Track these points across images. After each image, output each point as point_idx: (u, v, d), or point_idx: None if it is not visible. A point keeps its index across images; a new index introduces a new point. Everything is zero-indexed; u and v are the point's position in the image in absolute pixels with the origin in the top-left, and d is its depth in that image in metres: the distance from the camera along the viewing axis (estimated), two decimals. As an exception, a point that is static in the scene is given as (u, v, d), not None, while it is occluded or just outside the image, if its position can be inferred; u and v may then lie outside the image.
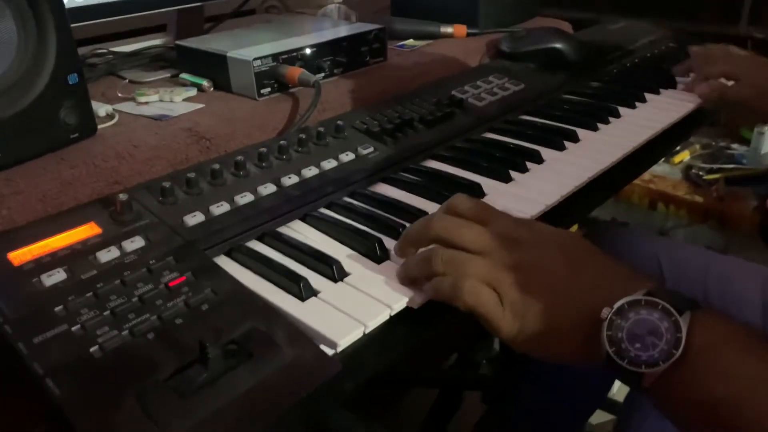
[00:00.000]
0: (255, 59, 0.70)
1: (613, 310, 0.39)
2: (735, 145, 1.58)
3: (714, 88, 0.82)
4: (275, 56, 0.72)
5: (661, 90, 0.87)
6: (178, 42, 0.80)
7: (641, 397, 0.40)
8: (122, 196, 0.50)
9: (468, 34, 1.00)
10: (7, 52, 0.54)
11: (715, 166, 1.49)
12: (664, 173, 1.52)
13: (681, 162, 1.55)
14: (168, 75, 0.82)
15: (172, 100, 0.71)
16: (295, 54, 0.74)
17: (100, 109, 0.67)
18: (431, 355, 1.12)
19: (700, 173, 1.48)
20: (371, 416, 0.41)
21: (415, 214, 0.54)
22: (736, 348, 0.37)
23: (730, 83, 0.84)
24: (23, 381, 0.38)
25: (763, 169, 1.44)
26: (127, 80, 0.79)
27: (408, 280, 0.46)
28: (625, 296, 0.39)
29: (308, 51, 0.75)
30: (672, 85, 0.89)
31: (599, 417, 1.25)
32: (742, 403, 0.35)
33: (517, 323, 0.42)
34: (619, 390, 1.20)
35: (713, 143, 1.60)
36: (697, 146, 1.58)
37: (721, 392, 0.36)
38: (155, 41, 0.97)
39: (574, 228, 1.11)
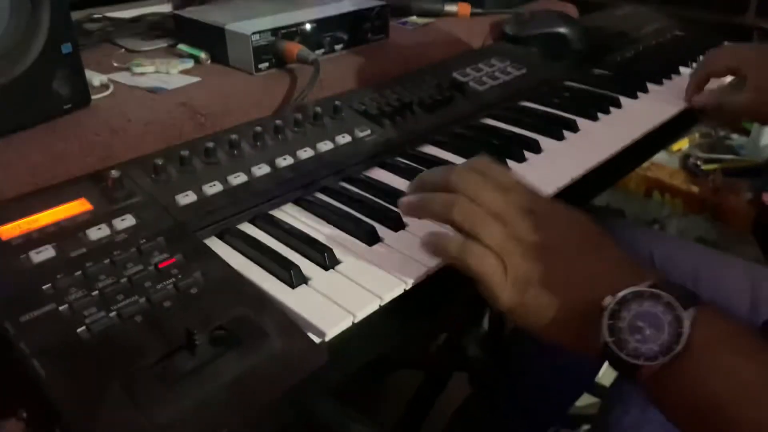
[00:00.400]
0: (253, 33, 0.69)
1: (617, 299, 0.38)
2: (735, 135, 1.57)
3: (711, 99, 0.78)
4: (274, 31, 0.70)
5: (664, 80, 0.87)
6: (176, 12, 0.78)
7: (627, 387, 0.40)
8: (114, 173, 0.49)
9: (472, 14, 0.98)
10: (-1, 19, 0.52)
11: (713, 156, 1.49)
12: (661, 161, 1.52)
13: (679, 150, 1.54)
14: (165, 45, 0.80)
15: (168, 72, 0.70)
16: (294, 29, 0.72)
17: (95, 78, 0.66)
18: (419, 336, 1.13)
19: (698, 163, 1.48)
20: (355, 396, 0.41)
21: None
22: (735, 348, 0.37)
23: (728, 80, 0.80)
24: (9, 360, 0.38)
25: (761, 161, 1.43)
26: (123, 50, 0.77)
27: (421, 211, 0.45)
28: (629, 286, 0.38)
29: (308, 26, 0.74)
30: (676, 74, 0.88)
31: (585, 399, 1.27)
32: (737, 403, 0.36)
33: (517, 296, 0.42)
34: (604, 374, 1.22)
35: (713, 132, 1.59)
36: (696, 135, 1.57)
37: (717, 391, 0.36)
38: (153, 8, 0.95)
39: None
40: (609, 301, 0.38)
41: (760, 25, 1.48)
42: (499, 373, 1.03)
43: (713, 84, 0.80)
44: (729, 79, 0.81)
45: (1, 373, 0.39)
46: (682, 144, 1.55)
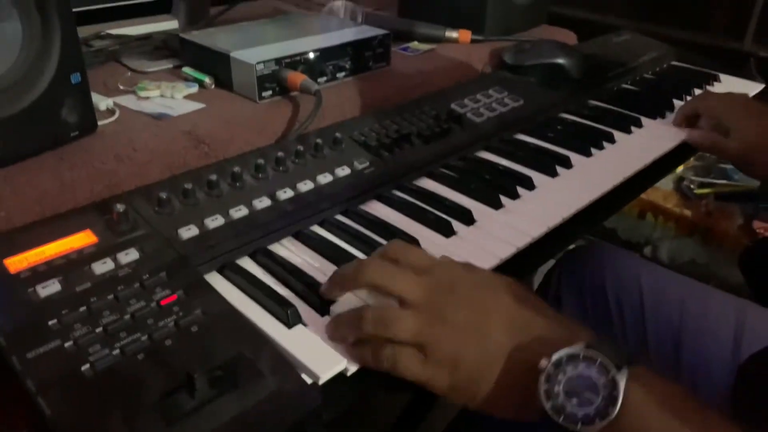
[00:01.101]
0: (258, 63, 0.70)
1: (551, 362, 0.39)
2: (728, 159, 1.60)
3: (705, 138, 0.82)
4: (278, 60, 0.72)
5: (657, 116, 0.88)
6: (182, 35, 0.80)
7: None
8: (119, 206, 0.51)
9: (472, 41, 1.00)
10: (11, 50, 0.54)
11: (706, 180, 1.51)
12: (656, 182, 1.54)
13: (674, 172, 1.56)
14: (171, 66, 0.82)
15: (173, 97, 0.72)
16: (298, 58, 0.74)
17: (101, 102, 0.67)
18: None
19: (691, 186, 1.50)
20: (342, 417, 0.43)
21: (404, 239, 0.56)
22: (672, 408, 0.37)
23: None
24: (16, 388, 0.39)
25: (753, 187, 1.46)
26: (129, 73, 0.79)
27: (337, 338, 0.45)
28: (563, 347, 0.39)
29: (312, 55, 0.75)
30: (670, 110, 0.90)
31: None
32: None
33: (447, 379, 0.42)
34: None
35: (707, 155, 1.62)
36: (691, 158, 1.60)
37: None
38: (160, 25, 0.96)
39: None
40: (544, 363, 0.39)
41: (757, 52, 1.51)
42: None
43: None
44: None
45: (11, 398, 0.40)
46: (679, 166, 1.57)
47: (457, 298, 0.43)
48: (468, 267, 0.48)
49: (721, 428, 0.38)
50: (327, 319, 0.47)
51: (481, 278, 0.46)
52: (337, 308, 0.47)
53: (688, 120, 0.85)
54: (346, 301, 0.47)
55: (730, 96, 0.86)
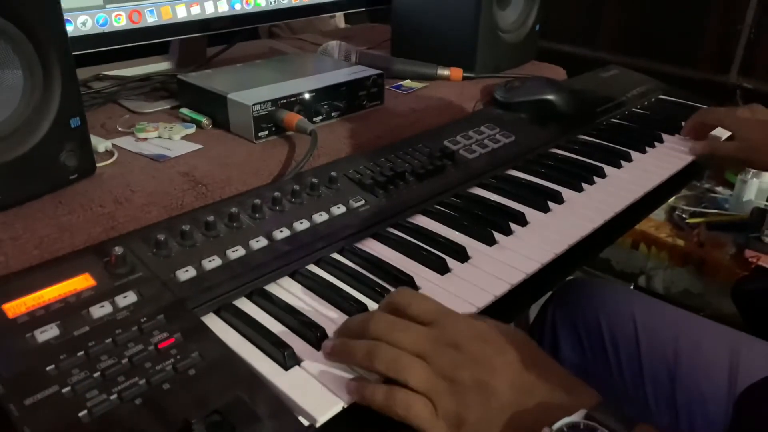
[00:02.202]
0: (255, 104, 0.72)
1: (553, 431, 0.39)
2: (719, 188, 1.62)
3: (705, 145, 0.89)
4: (274, 101, 0.74)
5: (647, 149, 0.90)
6: (180, 76, 0.81)
7: None
8: (117, 249, 0.51)
9: (464, 78, 1.02)
10: (13, 97, 0.55)
11: (698, 210, 1.53)
12: (648, 213, 1.55)
13: (665, 202, 1.58)
14: (168, 107, 0.83)
15: (171, 138, 0.73)
16: (294, 99, 0.76)
17: (100, 144, 0.68)
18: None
19: (683, 216, 1.52)
20: None
21: (399, 277, 0.56)
22: None
23: (723, 138, 0.90)
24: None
25: (745, 216, 1.47)
26: (127, 115, 0.80)
27: (346, 359, 0.45)
28: (564, 414, 0.39)
29: (307, 96, 0.77)
30: (659, 142, 0.92)
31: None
32: None
33: None
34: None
35: (698, 184, 1.64)
36: (682, 188, 1.62)
37: None
38: (157, 65, 0.98)
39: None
40: None
41: (743, 84, 1.54)
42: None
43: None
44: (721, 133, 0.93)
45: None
46: (670, 198, 1.59)
47: (463, 355, 0.43)
48: (473, 320, 0.47)
49: None
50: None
51: (488, 333, 0.46)
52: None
53: (696, 131, 0.92)
54: None
55: (733, 107, 0.93)
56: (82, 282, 0.50)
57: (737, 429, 0.70)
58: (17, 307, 0.46)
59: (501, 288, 0.57)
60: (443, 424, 0.42)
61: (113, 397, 0.41)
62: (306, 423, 0.42)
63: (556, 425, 0.39)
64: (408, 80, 1.01)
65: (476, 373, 0.43)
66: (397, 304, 0.48)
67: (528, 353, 0.45)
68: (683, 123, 1.00)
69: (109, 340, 0.45)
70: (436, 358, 0.43)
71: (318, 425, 0.42)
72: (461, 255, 0.61)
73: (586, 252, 0.68)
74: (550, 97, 0.93)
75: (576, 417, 0.39)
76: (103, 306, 0.47)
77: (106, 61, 0.96)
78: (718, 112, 0.93)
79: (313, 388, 0.44)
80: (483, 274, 0.59)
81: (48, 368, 0.42)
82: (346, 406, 0.43)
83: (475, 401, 0.42)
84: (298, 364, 0.46)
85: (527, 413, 0.41)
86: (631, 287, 1.51)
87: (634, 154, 0.88)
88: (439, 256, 0.60)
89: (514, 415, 0.42)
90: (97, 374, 0.42)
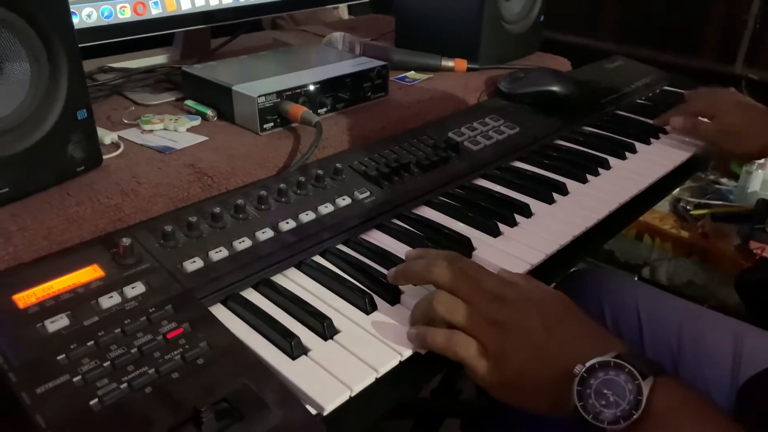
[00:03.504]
0: (259, 96, 0.72)
1: (585, 368, 0.42)
2: (724, 180, 1.61)
3: (687, 123, 0.89)
4: (279, 93, 0.74)
5: (652, 140, 0.90)
6: (184, 68, 0.81)
7: None
8: (125, 240, 0.52)
9: (468, 69, 1.02)
10: (20, 89, 0.55)
11: (702, 201, 1.52)
12: (652, 204, 1.55)
13: (670, 194, 1.58)
14: (173, 99, 0.84)
15: (176, 130, 0.73)
16: (298, 90, 0.76)
17: (106, 137, 0.69)
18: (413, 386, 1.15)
19: (688, 207, 1.52)
20: None
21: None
22: (691, 415, 0.41)
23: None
24: (23, 425, 0.40)
25: (749, 208, 1.47)
26: (133, 107, 0.81)
27: (412, 319, 0.51)
28: (597, 356, 0.43)
29: (311, 87, 0.77)
30: (663, 134, 0.92)
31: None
32: None
33: (496, 375, 0.47)
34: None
35: (703, 176, 1.63)
36: (687, 180, 1.61)
37: None
38: (161, 57, 0.98)
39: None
40: (579, 369, 0.43)
41: (748, 74, 1.54)
42: (491, 417, 1.05)
43: None
44: None
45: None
46: (674, 190, 1.58)
47: (507, 303, 0.48)
48: (520, 278, 0.54)
49: None
50: (331, 344, 0.48)
51: (532, 289, 0.51)
52: (342, 338, 0.49)
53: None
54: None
55: (717, 89, 0.95)
56: (90, 273, 0.50)
57: (741, 419, 0.70)
58: (27, 297, 0.47)
59: (506, 278, 0.57)
60: (491, 362, 0.47)
61: (123, 386, 0.41)
62: (313, 411, 0.42)
63: (589, 362, 0.42)
64: (412, 72, 1.01)
65: (518, 316, 0.47)
66: (449, 258, 0.52)
67: (564, 305, 0.50)
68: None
69: (118, 330, 0.45)
70: (485, 305, 0.48)
71: (325, 413, 0.42)
72: (466, 246, 0.61)
73: (590, 243, 0.68)
74: (554, 88, 0.93)
75: (607, 357, 0.42)
76: (111, 296, 0.48)
77: (110, 53, 0.96)
78: (702, 96, 0.93)
79: (320, 377, 0.45)
80: (488, 266, 0.59)
81: (59, 358, 0.42)
82: (352, 395, 0.44)
83: (515, 340, 0.47)
84: (305, 354, 0.47)
85: (560, 351, 0.46)
86: (635, 278, 1.51)
87: (638, 145, 0.88)
88: (444, 248, 0.60)
89: (549, 353, 0.46)
90: (107, 364, 0.43)
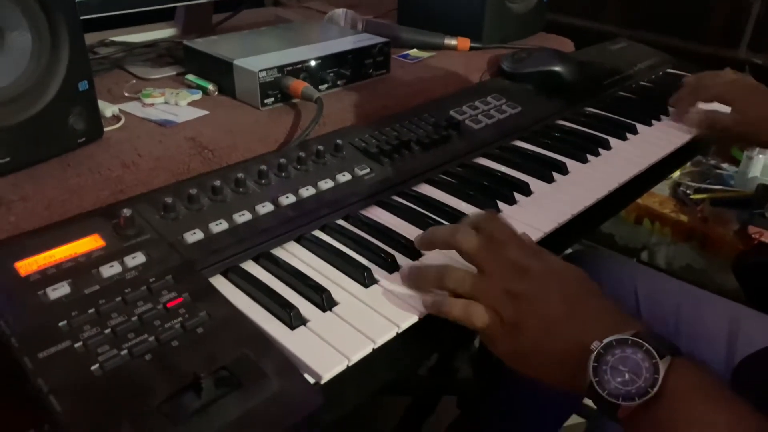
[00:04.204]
0: (261, 70, 0.72)
1: (602, 344, 0.43)
2: (725, 165, 1.61)
3: (703, 118, 0.87)
4: (280, 68, 0.74)
5: (653, 122, 0.90)
6: (186, 43, 0.81)
7: None
8: (126, 211, 0.52)
9: (471, 48, 1.02)
10: (21, 60, 0.55)
11: (702, 186, 1.52)
12: (653, 188, 1.55)
13: (671, 178, 1.58)
14: (174, 73, 0.83)
15: (177, 104, 0.73)
16: (299, 66, 0.75)
17: (107, 109, 0.69)
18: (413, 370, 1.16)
19: (688, 192, 1.52)
20: (342, 421, 0.45)
21: (403, 243, 0.57)
22: (705, 396, 0.41)
23: (723, 108, 0.88)
24: (25, 388, 0.40)
25: (749, 193, 1.47)
26: (134, 80, 0.80)
27: (417, 286, 0.52)
28: (614, 334, 0.43)
29: (313, 63, 0.77)
30: (665, 116, 0.92)
31: (572, 420, 1.30)
32: None
33: (512, 344, 0.47)
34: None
35: (704, 160, 1.63)
36: (688, 163, 1.61)
37: None
38: (162, 32, 0.98)
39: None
40: (596, 345, 0.43)
41: (752, 59, 1.52)
42: (488, 394, 1.06)
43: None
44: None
45: (21, 395, 0.41)
46: (674, 172, 1.58)
47: (527, 277, 0.48)
48: (539, 250, 0.53)
49: (750, 418, 0.40)
50: (329, 315, 0.49)
51: (554, 264, 0.51)
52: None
53: (691, 94, 0.91)
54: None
55: (729, 73, 0.92)
56: (91, 242, 0.50)
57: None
58: (29, 265, 0.47)
59: (504, 255, 0.57)
60: (506, 331, 0.47)
61: (124, 352, 0.42)
62: (311, 380, 0.43)
63: (607, 339, 0.43)
64: (414, 49, 1.00)
65: (538, 289, 0.48)
66: (479, 223, 0.52)
67: (585, 282, 0.50)
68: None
69: (118, 299, 0.46)
70: (504, 275, 0.49)
71: (323, 382, 0.43)
72: (465, 223, 0.61)
73: (589, 222, 0.68)
74: (557, 68, 0.93)
75: (625, 335, 0.43)
76: (112, 266, 0.48)
77: (111, 27, 0.95)
78: (711, 85, 0.90)
79: (318, 347, 0.45)
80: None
81: (60, 324, 0.43)
82: (350, 365, 0.44)
83: (532, 312, 0.47)
84: (304, 324, 0.47)
85: (577, 327, 0.46)
86: (635, 261, 1.52)
87: (639, 126, 0.88)
88: (444, 224, 0.60)
89: (566, 327, 0.46)
90: (107, 331, 0.43)
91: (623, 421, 0.42)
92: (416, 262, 0.55)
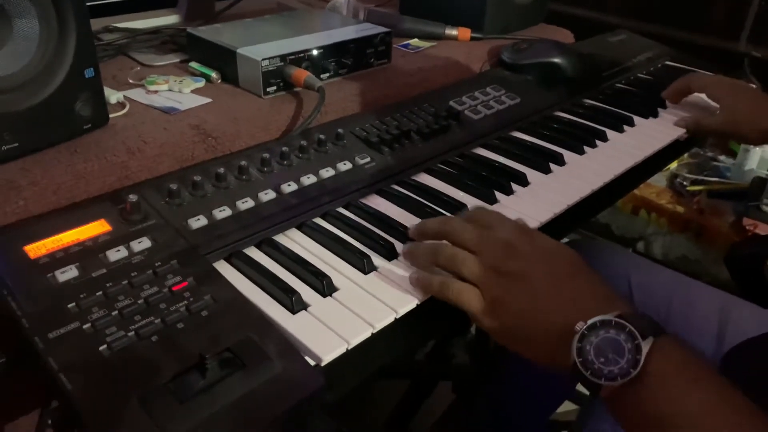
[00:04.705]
0: (264, 59, 0.73)
1: (587, 325, 0.44)
2: (722, 157, 1.62)
3: (690, 120, 0.88)
4: (283, 57, 0.74)
5: (650, 114, 0.91)
6: (189, 30, 0.82)
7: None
8: (132, 197, 0.53)
9: (472, 38, 1.03)
10: (29, 47, 0.56)
11: (699, 177, 1.54)
12: (650, 180, 1.56)
13: (668, 169, 1.59)
14: (178, 60, 0.84)
15: (181, 91, 0.74)
16: (302, 55, 0.76)
17: (112, 96, 0.70)
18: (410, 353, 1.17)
19: (684, 183, 1.53)
20: (339, 404, 0.46)
21: (402, 231, 0.58)
22: (687, 376, 0.42)
23: (712, 104, 0.90)
24: (36, 367, 0.42)
25: (745, 185, 1.48)
26: (138, 68, 0.81)
27: (412, 260, 0.54)
28: (599, 315, 0.44)
29: (315, 52, 0.78)
30: (663, 108, 0.93)
31: (565, 406, 1.32)
32: (681, 426, 0.41)
33: (497, 320, 0.48)
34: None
35: (701, 152, 1.64)
36: (685, 154, 1.62)
37: (667, 413, 0.41)
38: (165, 19, 0.99)
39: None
40: (580, 326, 0.44)
41: (751, 52, 1.53)
42: (483, 380, 1.08)
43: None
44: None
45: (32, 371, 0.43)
46: (671, 163, 1.59)
47: (511, 250, 0.50)
48: (529, 231, 0.53)
49: (732, 396, 0.41)
50: (330, 300, 0.50)
51: (545, 244, 0.52)
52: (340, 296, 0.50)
53: (679, 94, 0.93)
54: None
55: (718, 76, 0.94)
56: (98, 227, 0.52)
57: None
58: (38, 248, 0.48)
59: (500, 244, 0.59)
60: (487, 308, 0.48)
61: (131, 334, 0.43)
62: (312, 362, 0.45)
63: (591, 320, 0.44)
64: (416, 39, 1.01)
65: (519, 264, 0.49)
66: (471, 215, 0.55)
67: (574, 262, 0.50)
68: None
69: (125, 282, 0.47)
70: (488, 253, 0.50)
71: (323, 364, 0.45)
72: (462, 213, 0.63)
73: (585, 213, 0.70)
74: (556, 60, 0.94)
75: (609, 316, 0.43)
76: (119, 250, 0.49)
77: (114, 13, 0.96)
78: (704, 80, 0.91)
79: (319, 331, 0.47)
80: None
81: (69, 306, 0.44)
82: (350, 348, 0.46)
83: (515, 288, 0.48)
84: (305, 309, 0.49)
85: (562, 306, 0.47)
86: (630, 251, 1.54)
87: (637, 119, 0.89)
88: (441, 213, 0.62)
89: (551, 306, 0.47)
90: (115, 313, 0.44)
91: (606, 400, 0.43)
92: (415, 242, 0.57)
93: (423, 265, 0.53)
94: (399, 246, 0.57)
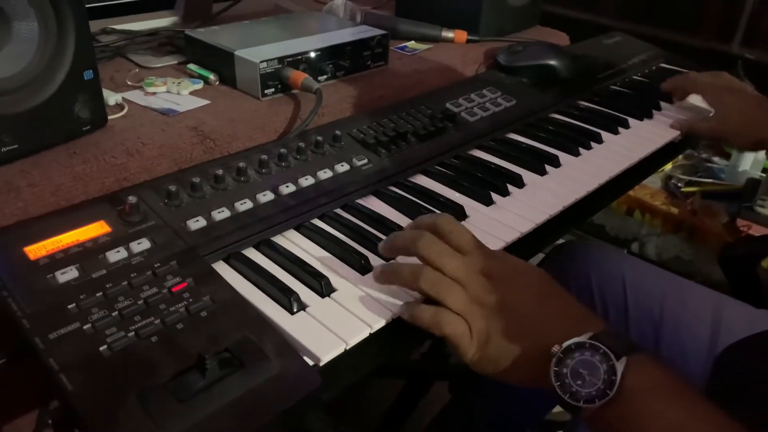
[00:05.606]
0: (262, 61, 0.73)
1: (562, 348, 0.44)
2: (716, 159, 1.64)
3: (683, 124, 0.89)
4: (281, 59, 0.75)
5: (645, 116, 0.92)
6: (187, 32, 0.82)
7: None
8: (131, 198, 0.53)
9: (468, 40, 1.03)
10: (28, 49, 0.57)
11: (693, 179, 1.55)
12: (644, 180, 1.57)
13: (662, 171, 1.60)
14: (176, 62, 0.85)
15: (179, 93, 0.75)
16: (300, 57, 0.77)
17: (110, 98, 0.70)
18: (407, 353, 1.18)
19: (679, 184, 1.54)
20: (336, 403, 0.47)
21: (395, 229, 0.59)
22: (664, 394, 0.43)
23: (707, 107, 0.91)
24: (36, 366, 0.42)
25: (739, 186, 1.50)
26: (136, 69, 0.81)
27: (390, 280, 0.52)
28: (574, 336, 0.44)
29: (312, 54, 0.78)
30: (657, 110, 0.93)
31: (558, 406, 1.33)
32: None
33: (479, 351, 0.48)
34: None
35: (695, 154, 1.66)
36: (680, 156, 1.63)
37: (647, 429, 0.42)
38: (163, 20, 0.99)
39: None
40: (556, 349, 0.44)
41: (745, 54, 1.54)
42: (479, 380, 1.08)
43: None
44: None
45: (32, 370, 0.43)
46: (666, 165, 1.60)
47: (493, 282, 0.49)
48: (502, 253, 0.54)
49: (709, 410, 0.42)
50: (328, 301, 0.51)
51: (515, 267, 0.51)
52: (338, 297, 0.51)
53: (679, 90, 0.95)
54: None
55: (713, 75, 0.94)
56: (97, 228, 0.52)
57: (716, 385, 0.73)
58: (38, 249, 0.49)
59: (496, 246, 0.59)
60: (475, 341, 0.48)
61: (131, 334, 0.44)
62: (310, 362, 0.45)
63: (566, 343, 0.44)
64: (412, 41, 1.01)
65: (502, 296, 0.49)
66: (440, 228, 0.52)
67: (545, 284, 0.51)
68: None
69: (125, 283, 0.47)
70: (471, 284, 0.49)
71: (321, 364, 0.45)
72: (459, 214, 0.64)
73: (579, 214, 0.70)
74: (552, 62, 0.94)
75: (583, 338, 0.44)
76: (118, 251, 0.50)
77: (111, 15, 0.96)
78: (703, 83, 0.92)
79: (317, 331, 0.47)
80: (479, 233, 0.60)
81: (69, 306, 0.45)
82: (347, 348, 0.47)
83: (499, 319, 0.48)
84: (304, 309, 0.49)
85: (541, 332, 0.47)
86: (624, 252, 1.55)
87: (631, 121, 0.90)
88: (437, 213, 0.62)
89: (530, 332, 0.47)
90: (115, 313, 0.45)
91: (588, 420, 0.44)
92: (393, 261, 0.55)
93: (402, 284, 0.51)
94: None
